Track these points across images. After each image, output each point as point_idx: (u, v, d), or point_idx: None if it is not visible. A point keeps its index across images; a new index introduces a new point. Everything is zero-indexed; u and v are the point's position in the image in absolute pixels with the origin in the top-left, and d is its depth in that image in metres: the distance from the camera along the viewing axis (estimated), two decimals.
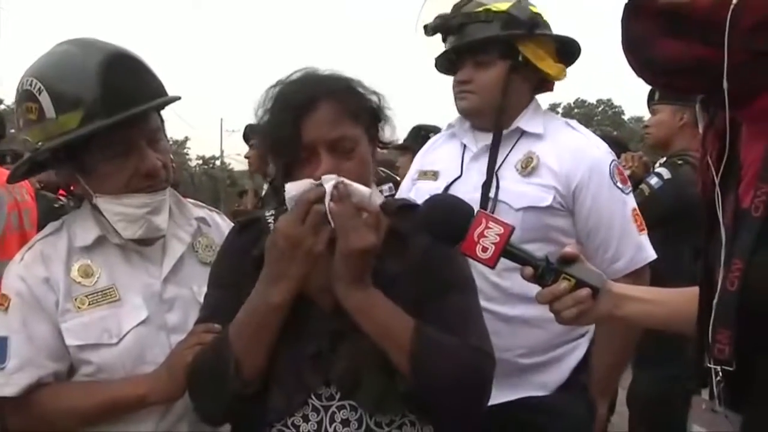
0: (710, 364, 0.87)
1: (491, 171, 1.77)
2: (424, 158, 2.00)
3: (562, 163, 1.74)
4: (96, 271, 1.36)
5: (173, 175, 1.46)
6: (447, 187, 1.81)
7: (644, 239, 1.80)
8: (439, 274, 1.20)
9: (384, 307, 1.13)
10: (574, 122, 1.91)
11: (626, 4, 0.88)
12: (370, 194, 1.13)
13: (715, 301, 0.87)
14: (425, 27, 1.84)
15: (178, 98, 1.41)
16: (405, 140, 4.10)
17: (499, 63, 1.78)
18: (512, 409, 1.71)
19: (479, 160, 1.82)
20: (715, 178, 0.91)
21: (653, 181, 2.84)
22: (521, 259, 1.14)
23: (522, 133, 1.81)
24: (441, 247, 1.19)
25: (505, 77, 1.78)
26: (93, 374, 1.33)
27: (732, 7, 0.79)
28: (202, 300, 1.35)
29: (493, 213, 1.66)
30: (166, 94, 1.39)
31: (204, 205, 1.62)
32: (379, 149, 1.28)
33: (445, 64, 1.90)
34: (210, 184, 41.72)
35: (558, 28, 1.85)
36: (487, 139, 1.83)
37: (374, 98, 1.22)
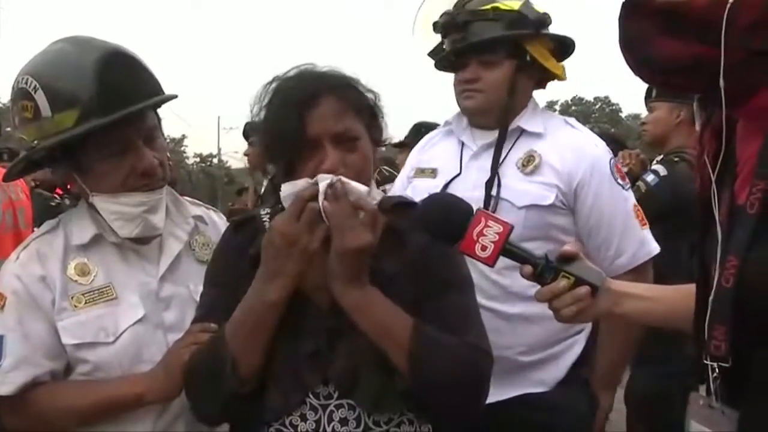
0: (707, 360, 0.87)
1: (495, 169, 1.77)
2: (420, 156, 2.00)
3: (564, 162, 1.75)
4: (93, 270, 1.36)
5: (170, 174, 1.46)
6: (446, 185, 1.81)
7: (647, 234, 1.81)
8: (437, 273, 1.20)
9: (381, 305, 1.13)
10: (572, 120, 1.92)
11: (624, 3, 0.88)
12: (368, 192, 1.13)
13: (710, 297, 0.87)
14: (434, 24, 1.83)
15: (175, 96, 1.41)
16: (406, 137, 4.10)
17: (506, 62, 1.78)
18: (512, 406, 1.72)
19: (479, 159, 1.82)
20: (712, 175, 0.91)
21: (649, 178, 2.86)
22: (520, 257, 1.14)
23: (521, 132, 1.81)
24: (439, 246, 1.19)
25: (512, 77, 1.79)
26: (90, 373, 1.33)
27: (729, 6, 0.80)
28: (198, 298, 1.34)
29: (495, 211, 1.67)
30: (162, 92, 1.38)
31: (201, 203, 1.61)
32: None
33: (445, 62, 1.90)
34: (207, 182, 41.71)
35: (555, 26, 1.86)
36: (487, 137, 1.83)
37: (371, 96, 1.23)
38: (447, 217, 1.14)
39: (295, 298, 1.14)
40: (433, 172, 1.89)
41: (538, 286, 1.14)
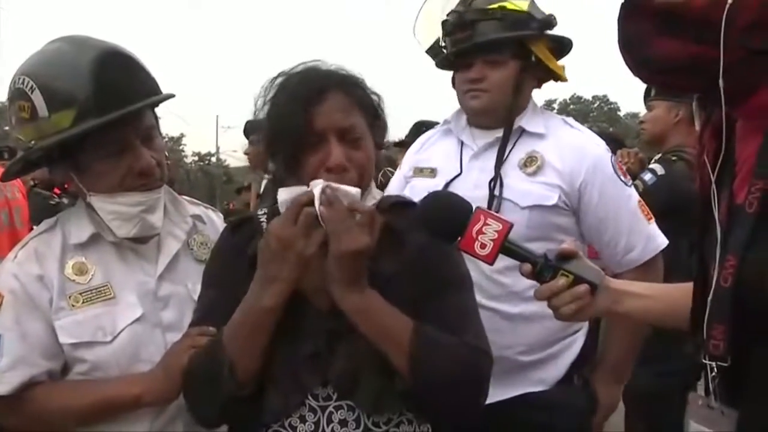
0: (705, 359, 0.87)
1: (498, 169, 1.77)
2: (418, 155, 1.99)
3: (565, 162, 1.75)
4: (90, 269, 1.36)
5: (168, 173, 1.45)
6: (447, 185, 1.81)
7: (654, 228, 1.82)
8: (436, 273, 1.20)
9: (381, 308, 1.12)
10: (570, 120, 1.92)
11: (623, 4, 0.88)
12: (360, 194, 1.12)
13: (709, 297, 0.88)
14: (444, 23, 1.83)
15: (172, 96, 1.40)
16: (406, 136, 4.11)
17: (511, 62, 1.78)
18: (512, 406, 1.72)
19: (480, 159, 1.82)
20: (711, 175, 0.91)
21: (647, 177, 2.86)
22: (520, 255, 1.14)
23: (522, 132, 1.82)
24: (437, 245, 1.19)
25: (517, 76, 1.79)
26: (87, 372, 1.32)
27: (728, 6, 0.80)
28: (197, 298, 1.34)
29: (498, 211, 1.68)
30: (160, 91, 1.38)
31: (199, 202, 1.61)
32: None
33: (446, 60, 1.90)
34: (205, 180, 41.69)
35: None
36: (487, 137, 1.83)
37: (375, 97, 1.23)
38: (446, 215, 1.14)
39: (294, 300, 1.13)
40: (432, 172, 1.88)
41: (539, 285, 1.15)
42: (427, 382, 1.11)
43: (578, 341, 1.83)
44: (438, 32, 1.88)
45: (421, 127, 4.10)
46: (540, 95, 1.96)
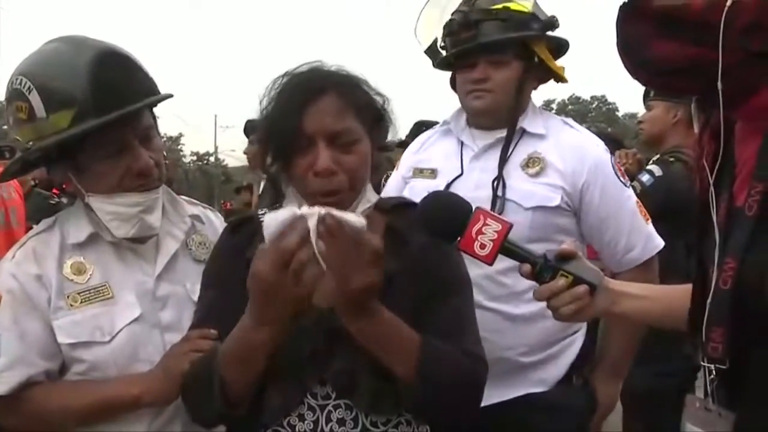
0: (704, 362, 0.87)
1: (502, 170, 1.77)
2: (417, 156, 1.98)
3: (567, 163, 1.76)
4: (89, 269, 1.35)
5: (167, 173, 1.45)
6: (448, 186, 1.80)
7: (651, 228, 1.84)
8: (437, 274, 1.20)
9: (389, 330, 1.09)
10: (570, 120, 1.93)
11: (621, 6, 0.88)
12: (363, 226, 1.00)
13: (708, 299, 0.88)
14: (448, 23, 1.83)
15: (170, 96, 1.40)
16: (407, 137, 4.10)
17: (514, 63, 1.79)
18: (513, 407, 1.73)
19: (481, 159, 1.82)
20: (710, 178, 0.91)
21: (644, 178, 2.86)
22: (519, 256, 1.14)
23: (523, 133, 1.82)
24: (439, 247, 1.19)
25: (520, 77, 1.79)
26: (85, 372, 1.32)
27: (726, 8, 0.80)
28: (195, 298, 1.34)
29: (501, 212, 1.68)
30: (158, 91, 1.38)
31: (198, 202, 1.61)
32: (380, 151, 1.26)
33: (445, 62, 1.89)
34: (204, 180, 41.63)
35: None
36: (488, 138, 1.83)
37: (378, 99, 1.22)
38: (446, 215, 1.14)
39: None
40: (432, 173, 1.88)
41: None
42: (430, 392, 1.11)
43: (578, 341, 1.84)
44: (438, 33, 1.88)
45: (421, 127, 4.10)
46: (539, 96, 1.97)
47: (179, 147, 48.98)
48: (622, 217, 1.78)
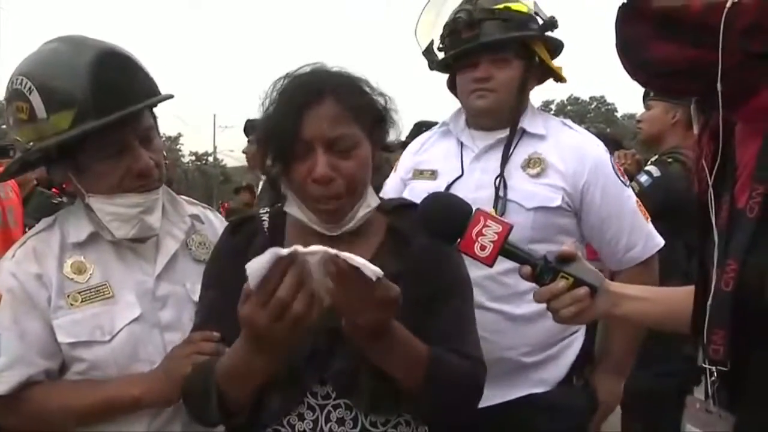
0: (705, 364, 0.87)
1: (503, 170, 1.77)
2: (417, 157, 1.98)
3: (567, 163, 1.76)
4: (89, 268, 1.35)
5: (166, 173, 1.45)
6: (448, 187, 1.80)
7: (652, 227, 1.84)
8: (438, 276, 1.20)
9: (399, 345, 1.08)
10: (568, 121, 1.93)
11: (620, 7, 0.88)
12: (374, 274, 0.94)
13: (709, 301, 0.87)
14: (450, 22, 1.83)
15: (171, 96, 1.40)
16: (407, 137, 4.10)
17: (516, 62, 1.79)
18: (515, 407, 1.73)
19: (481, 160, 1.82)
20: (709, 179, 0.91)
21: (643, 178, 2.86)
22: (519, 257, 1.14)
23: (523, 133, 1.82)
24: (440, 250, 1.19)
25: (522, 76, 1.80)
26: (85, 372, 1.32)
27: (726, 9, 0.80)
28: (195, 297, 1.34)
29: (503, 213, 1.68)
30: (158, 92, 1.37)
31: (197, 202, 1.61)
32: (383, 152, 1.26)
33: (442, 62, 1.89)
34: (203, 180, 41.61)
35: None
36: (488, 138, 1.83)
37: (380, 99, 1.21)
38: (446, 216, 1.14)
39: None
40: (433, 174, 1.88)
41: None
42: (433, 398, 1.12)
43: (578, 341, 1.84)
44: (435, 35, 1.88)
45: (421, 128, 4.09)
46: (537, 96, 1.97)
47: (178, 147, 48.97)
48: (623, 216, 1.78)
